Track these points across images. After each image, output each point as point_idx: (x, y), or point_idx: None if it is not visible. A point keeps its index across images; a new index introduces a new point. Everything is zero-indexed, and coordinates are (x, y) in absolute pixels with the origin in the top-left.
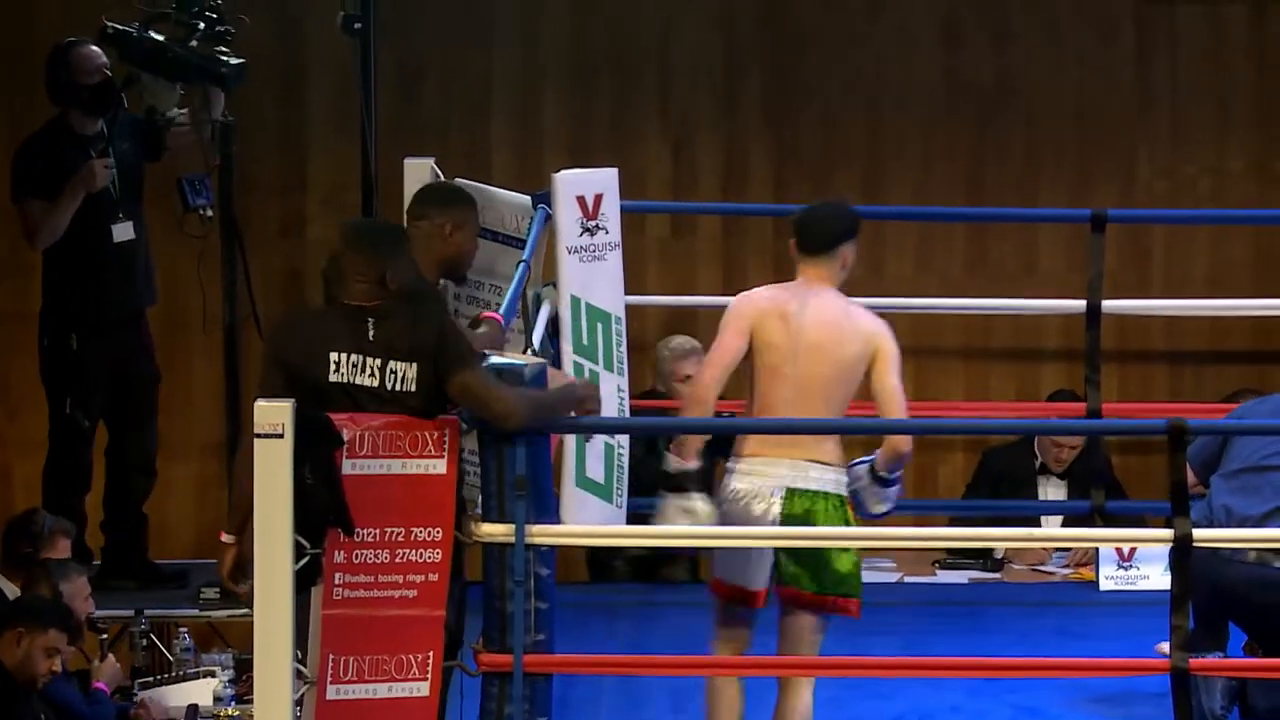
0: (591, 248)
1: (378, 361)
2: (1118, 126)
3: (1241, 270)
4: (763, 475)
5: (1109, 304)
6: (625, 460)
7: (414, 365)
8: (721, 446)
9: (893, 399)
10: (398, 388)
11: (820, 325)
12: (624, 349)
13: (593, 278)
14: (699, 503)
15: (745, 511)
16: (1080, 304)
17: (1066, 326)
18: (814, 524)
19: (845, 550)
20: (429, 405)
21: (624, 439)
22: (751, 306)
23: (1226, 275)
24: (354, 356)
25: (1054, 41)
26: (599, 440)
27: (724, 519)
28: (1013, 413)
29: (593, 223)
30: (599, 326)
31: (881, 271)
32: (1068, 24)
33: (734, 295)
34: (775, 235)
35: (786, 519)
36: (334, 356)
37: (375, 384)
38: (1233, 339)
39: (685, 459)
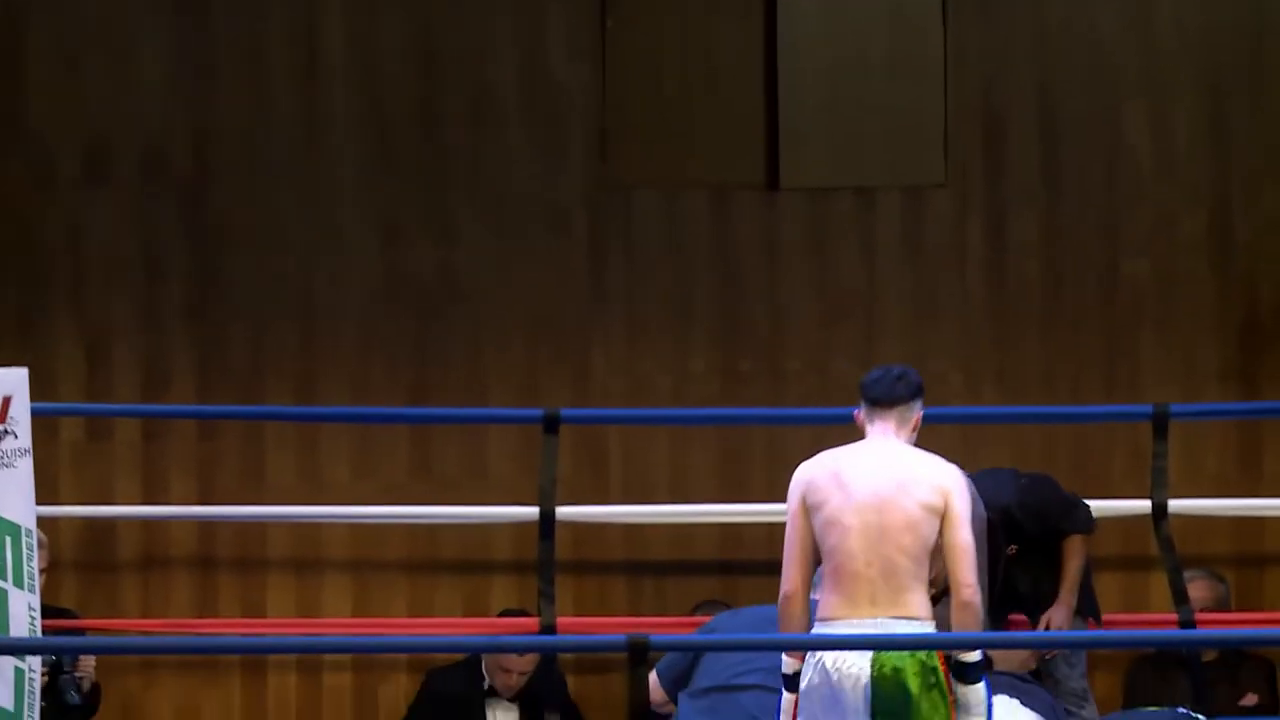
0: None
1: None
2: (571, 321)
3: (705, 474)
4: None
5: (564, 510)
6: (37, 685)
7: None
8: None
9: (962, 557)
10: None
11: (882, 473)
12: (35, 563)
13: (1, 487)
14: None
15: (837, 677)
16: (533, 511)
17: (518, 536)
18: (905, 685)
19: (937, 708)
20: None
21: (35, 662)
22: (798, 479)
23: (689, 479)
24: None
25: (501, 233)
26: (8, 664)
27: (813, 686)
28: (459, 630)
29: (1, 428)
30: (8, 540)
31: (318, 478)
32: (515, 214)
33: (154, 504)
34: (199, 438)
35: (876, 681)
36: None
37: None
38: (697, 548)
39: (796, 659)
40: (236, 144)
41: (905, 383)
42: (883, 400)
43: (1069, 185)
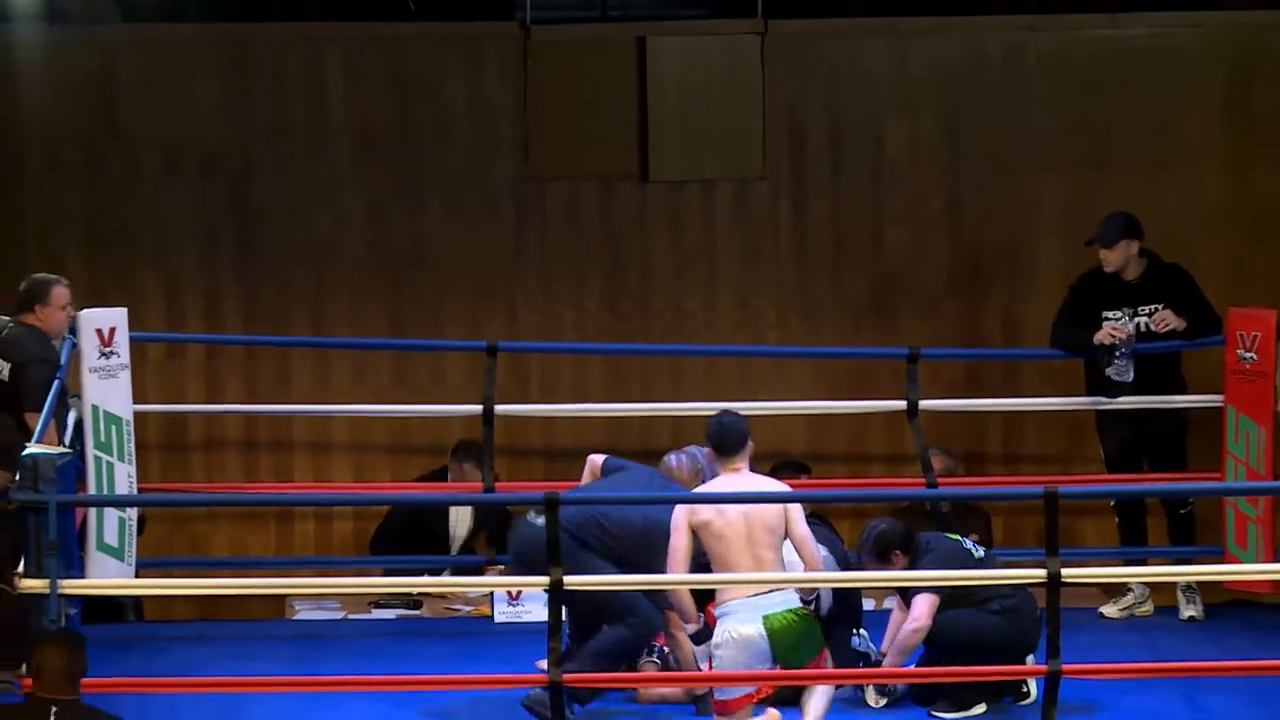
0: (108, 368)
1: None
2: (503, 278)
3: (596, 383)
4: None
5: (499, 408)
6: (134, 529)
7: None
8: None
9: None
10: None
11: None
12: (133, 445)
13: (109, 391)
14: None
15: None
16: (478, 408)
17: (468, 426)
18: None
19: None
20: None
21: (133, 512)
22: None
23: (585, 387)
24: None
25: (454, 213)
26: (113, 514)
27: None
28: (428, 490)
29: (108, 349)
30: (114, 428)
31: (328, 385)
32: (463, 199)
33: (214, 404)
34: (247, 357)
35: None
36: None
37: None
38: (590, 435)
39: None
40: (268, 148)
41: (736, 435)
42: (727, 452)
43: (849, 177)
